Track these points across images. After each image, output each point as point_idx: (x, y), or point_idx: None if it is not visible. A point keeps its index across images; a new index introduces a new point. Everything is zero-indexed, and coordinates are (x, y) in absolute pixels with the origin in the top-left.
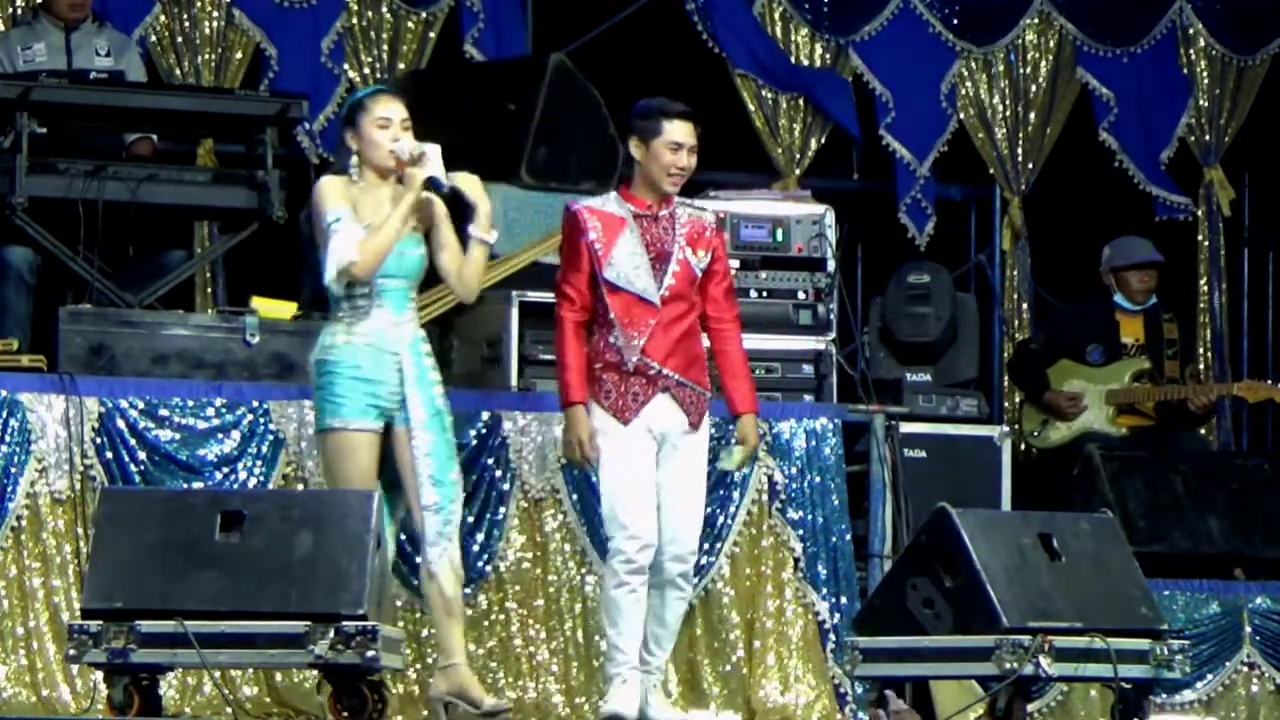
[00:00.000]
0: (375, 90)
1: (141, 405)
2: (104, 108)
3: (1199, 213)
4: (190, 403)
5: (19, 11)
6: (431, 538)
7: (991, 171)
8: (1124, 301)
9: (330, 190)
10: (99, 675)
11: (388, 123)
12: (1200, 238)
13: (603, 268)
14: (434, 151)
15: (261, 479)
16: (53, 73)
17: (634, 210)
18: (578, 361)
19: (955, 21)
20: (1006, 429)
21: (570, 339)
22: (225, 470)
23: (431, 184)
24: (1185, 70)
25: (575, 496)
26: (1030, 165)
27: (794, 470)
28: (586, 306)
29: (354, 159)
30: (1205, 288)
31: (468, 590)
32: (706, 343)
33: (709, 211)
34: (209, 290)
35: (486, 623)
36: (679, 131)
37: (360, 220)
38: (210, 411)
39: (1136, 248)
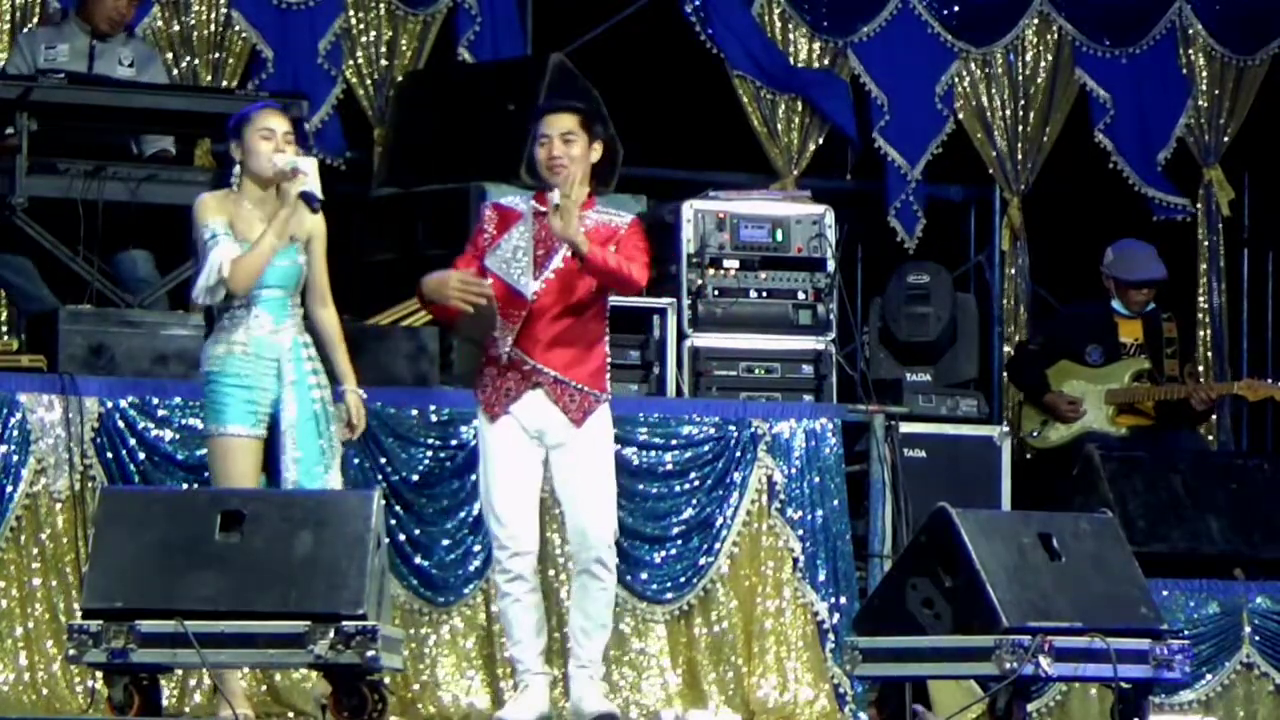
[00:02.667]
0: (263, 105)
1: (141, 405)
2: (103, 108)
3: (1198, 213)
4: (190, 403)
5: (37, 18)
6: None
7: (991, 172)
8: (1120, 307)
9: (208, 205)
10: (99, 675)
11: (270, 134)
12: (1199, 237)
13: (486, 256)
14: (309, 166)
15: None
16: (51, 71)
17: (535, 207)
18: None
19: (954, 22)
20: (1006, 429)
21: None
22: None
23: (305, 199)
24: (1185, 70)
25: None
26: (1029, 165)
27: (794, 470)
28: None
29: (235, 170)
30: (1204, 287)
31: (467, 590)
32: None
33: (626, 217)
34: None
35: (485, 622)
36: (545, 125)
37: (237, 234)
38: None
39: (1140, 263)
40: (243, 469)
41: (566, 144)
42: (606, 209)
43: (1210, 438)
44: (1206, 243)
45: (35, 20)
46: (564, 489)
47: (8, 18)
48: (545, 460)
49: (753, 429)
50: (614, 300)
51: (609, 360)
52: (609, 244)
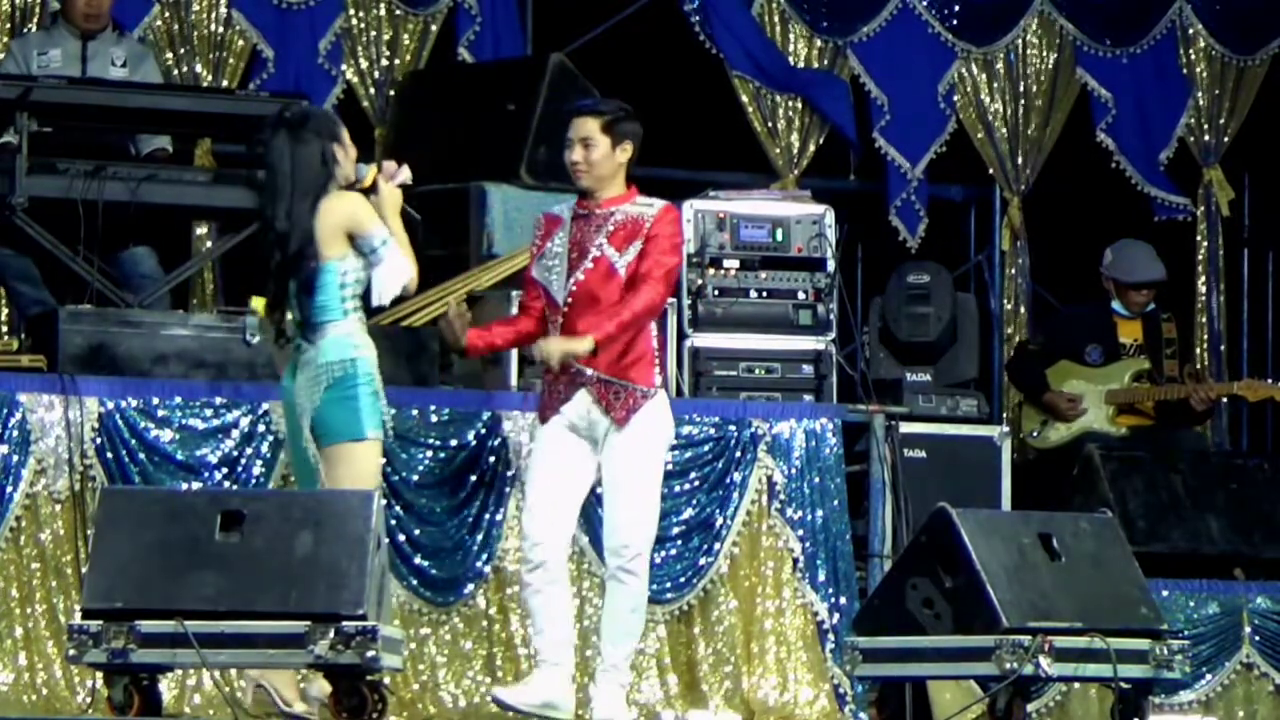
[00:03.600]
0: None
1: (141, 405)
2: (103, 108)
3: (1198, 213)
4: (190, 403)
5: (37, 19)
6: None
7: (991, 172)
8: (1119, 307)
9: (368, 207)
10: (99, 675)
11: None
12: (1199, 238)
13: (533, 266)
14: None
15: (261, 479)
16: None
17: (575, 211)
18: (503, 323)
19: (955, 22)
20: (1006, 429)
21: (514, 318)
22: (225, 470)
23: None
24: (1185, 70)
25: None
26: (1030, 165)
27: (794, 470)
28: (531, 303)
29: (339, 170)
30: (1203, 288)
31: (467, 590)
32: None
33: (656, 207)
34: (208, 290)
35: (485, 622)
36: (570, 129)
37: None
38: (210, 412)
39: (1139, 264)
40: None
41: (586, 149)
42: (642, 199)
43: (1207, 437)
44: (1206, 243)
45: (34, 22)
46: (605, 492)
47: (7, 20)
48: (598, 460)
49: (753, 429)
50: None
51: (656, 354)
52: (633, 240)
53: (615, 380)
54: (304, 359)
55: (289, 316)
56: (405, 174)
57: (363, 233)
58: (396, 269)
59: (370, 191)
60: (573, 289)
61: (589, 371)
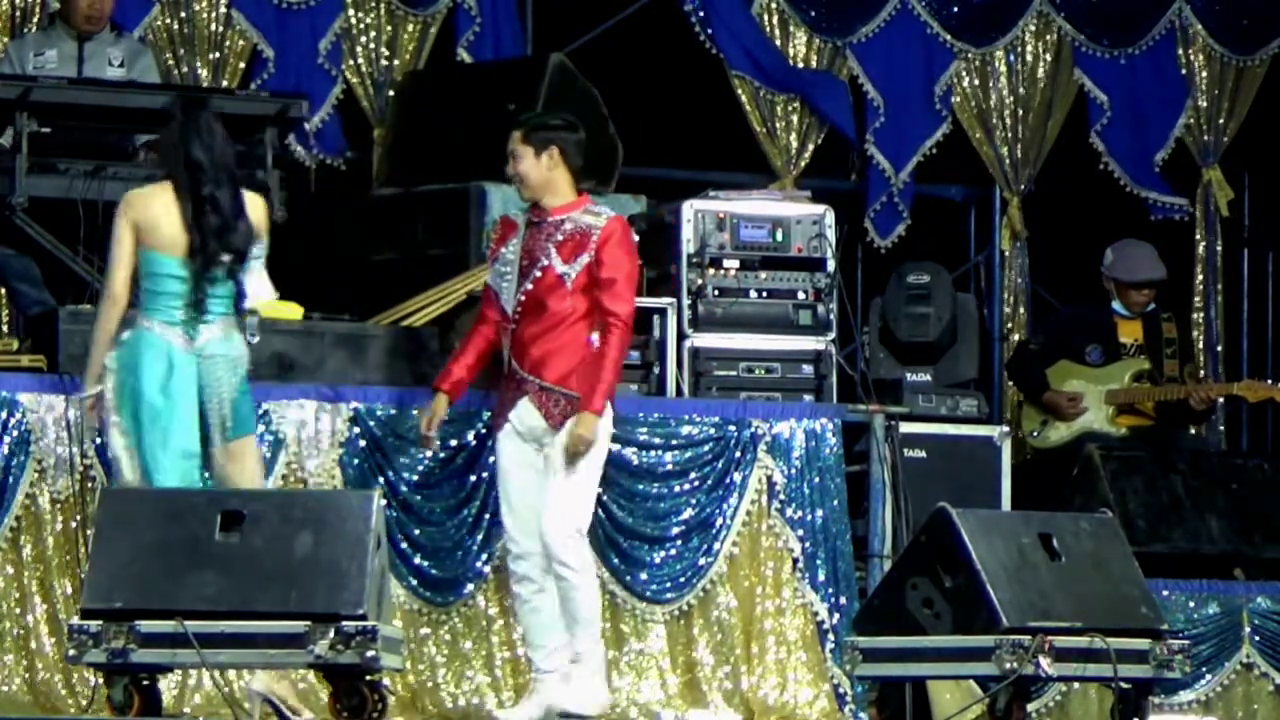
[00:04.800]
0: None
1: None
2: (103, 108)
3: (1196, 213)
4: None
5: (37, 19)
6: None
7: (991, 172)
8: (1120, 308)
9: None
10: (99, 675)
11: None
12: (1198, 238)
13: (489, 272)
14: None
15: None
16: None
17: (529, 218)
18: (461, 350)
19: (953, 22)
20: (1006, 429)
21: (471, 333)
22: None
23: None
24: (1184, 70)
25: None
26: (1029, 166)
27: (793, 470)
28: (487, 311)
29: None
30: (1202, 288)
31: (468, 590)
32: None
33: (603, 219)
34: None
35: (485, 622)
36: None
37: None
38: None
39: (1140, 263)
40: None
41: (515, 160)
42: (593, 208)
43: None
44: (1204, 243)
45: (34, 23)
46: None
47: (6, 21)
48: (543, 460)
49: (753, 429)
50: None
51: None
52: (581, 252)
53: (554, 389)
54: (210, 346)
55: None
56: None
57: (262, 235)
58: (264, 282)
59: None
60: (521, 298)
61: (531, 378)
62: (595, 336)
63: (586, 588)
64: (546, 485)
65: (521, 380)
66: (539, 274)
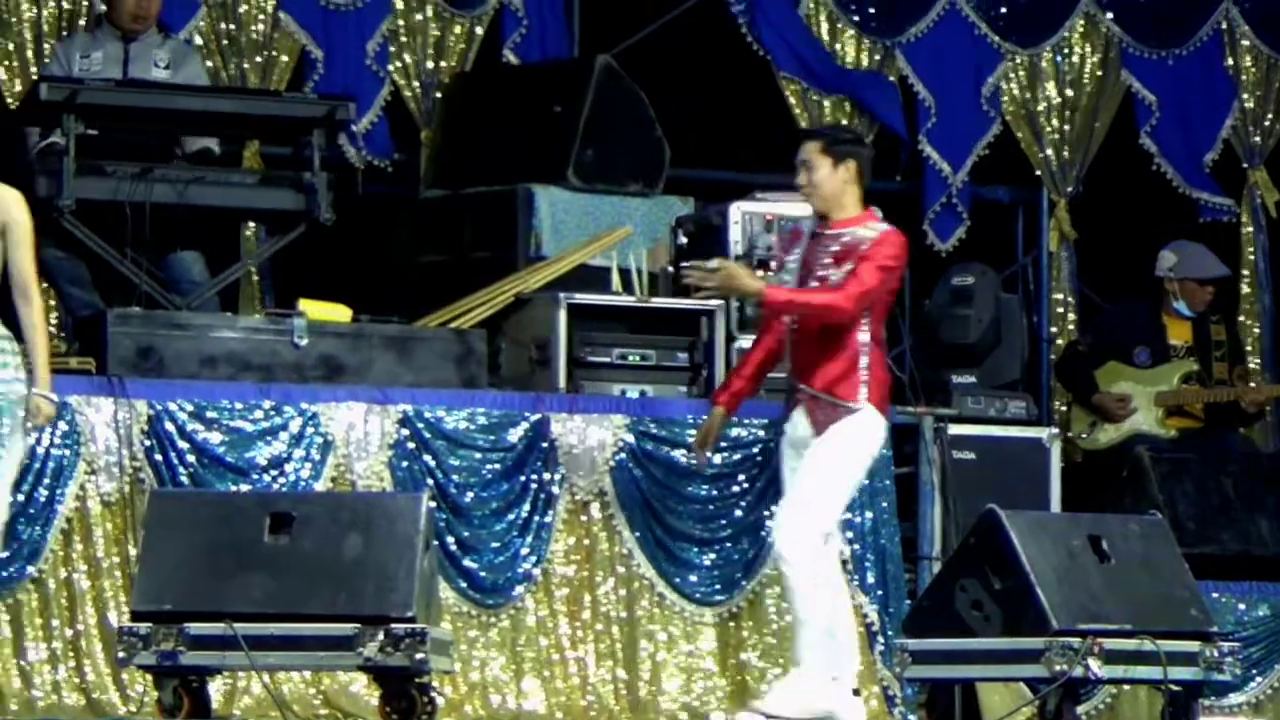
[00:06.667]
0: None
1: (190, 408)
2: (150, 110)
3: (1243, 214)
4: (239, 405)
5: (84, 20)
6: None
7: (1038, 173)
8: (1183, 308)
9: None
10: (148, 678)
11: None
12: (1245, 239)
13: (774, 277)
14: None
15: (310, 481)
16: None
17: (813, 229)
18: (742, 362)
19: (1001, 23)
20: (1055, 431)
21: (753, 344)
22: (274, 472)
23: None
24: (1231, 72)
25: (625, 500)
26: (1077, 167)
27: None
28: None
29: None
30: (1250, 289)
31: (517, 592)
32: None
33: (876, 231)
34: (256, 293)
35: (534, 624)
36: (797, 153)
37: None
38: (259, 414)
39: (1208, 261)
40: None
41: (808, 171)
42: (873, 223)
43: (1259, 439)
44: (1252, 244)
45: (82, 23)
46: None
47: (55, 24)
48: None
49: None
50: (661, 302)
51: (865, 371)
52: (846, 261)
53: (822, 396)
54: None
55: None
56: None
57: None
58: None
59: None
60: None
61: (805, 388)
62: (867, 352)
63: (803, 591)
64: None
65: (795, 389)
66: (814, 284)
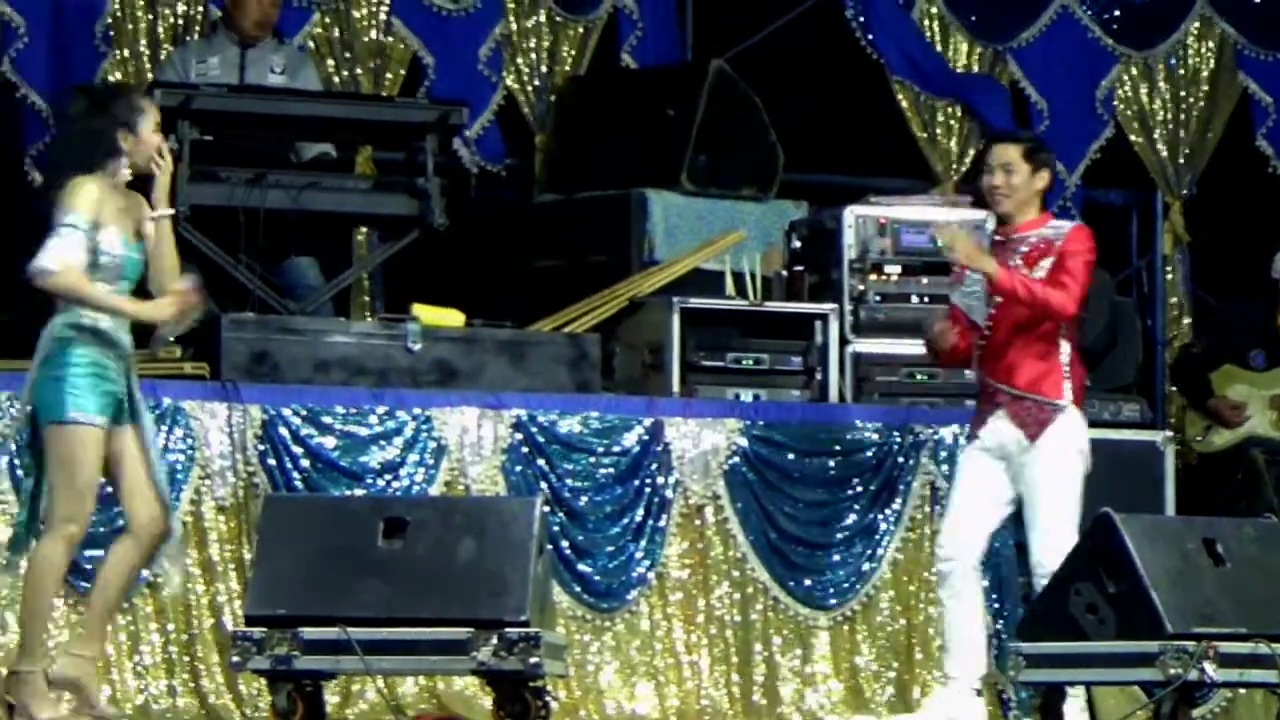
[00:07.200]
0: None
1: (304, 412)
2: (264, 115)
3: None
4: (352, 410)
5: (199, 27)
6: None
7: (1152, 176)
8: None
9: (89, 198)
10: (262, 682)
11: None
12: None
13: (953, 293)
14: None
15: (424, 486)
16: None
17: (994, 236)
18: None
19: (1115, 26)
20: (1170, 434)
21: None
22: (388, 477)
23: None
24: None
25: (739, 504)
26: (1191, 169)
27: None
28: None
29: (125, 160)
30: None
31: (631, 596)
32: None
33: (1065, 228)
34: (368, 298)
35: (649, 628)
36: (990, 154)
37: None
38: (373, 419)
39: None
40: (99, 461)
41: (1007, 174)
42: (1055, 223)
43: None
44: None
45: (196, 31)
46: (1024, 511)
47: (170, 31)
48: (1014, 477)
49: (915, 434)
50: (774, 306)
51: (1066, 369)
52: (1045, 258)
53: (1026, 395)
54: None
55: None
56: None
57: (63, 209)
58: (47, 249)
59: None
60: (991, 311)
61: (1004, 388)
62: (1065, 349)
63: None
64: (1027, 507)
65: (994, 391)
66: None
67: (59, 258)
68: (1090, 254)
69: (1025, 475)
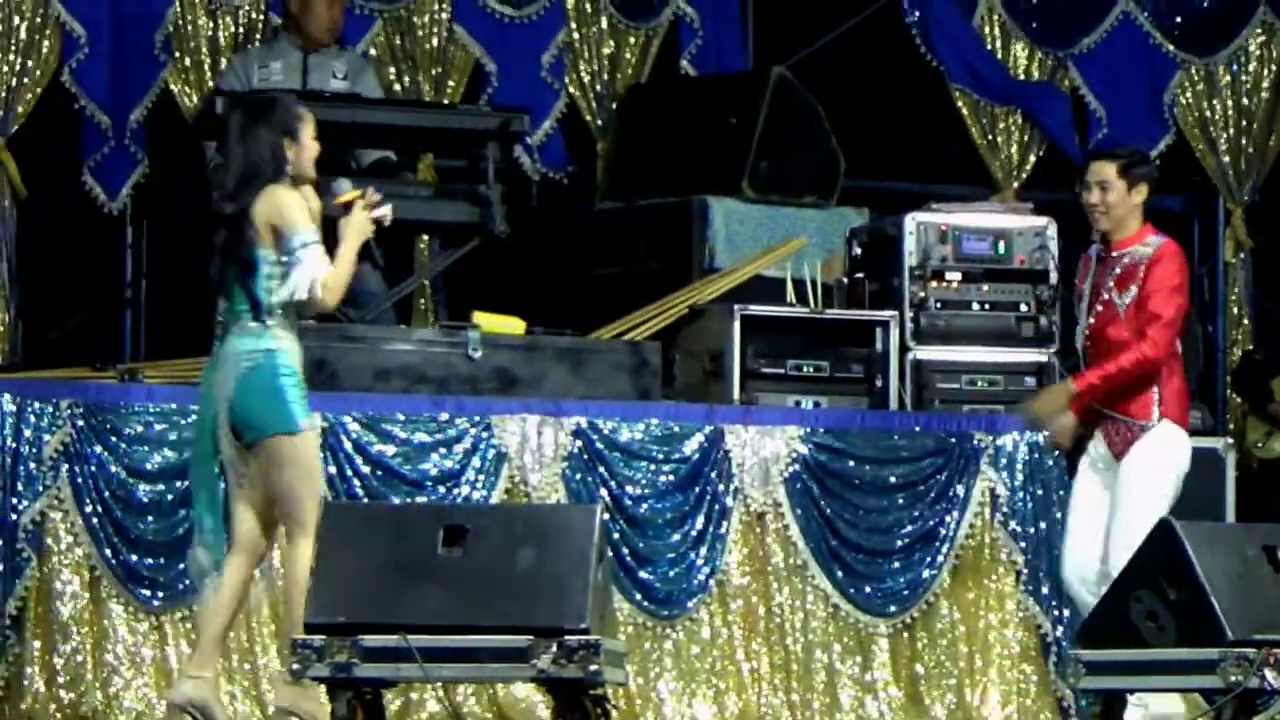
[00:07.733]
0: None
1: (364, 420)
2: (325, 122)
3: None
4: (413, 418)
5: (260, 34)
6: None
7: (1214, 182)
8: None
9: (303, 210)
10: (323, 690)
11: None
12: None
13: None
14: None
15: (484, 493)
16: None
17: (1098, 252)
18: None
19: (1177, 33)
20: (1230, 440)
21: None
22: (448, 485)
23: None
24: None
25: (799, 511)
26: (1253, 175)
27: (1016, 483)
28: None
29: (290, 168)
30: None
31: (692, 604)
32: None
33: (1153, 246)
34: (429, 306)
35: (709, 635)
36: (1087, 172)
37: None
38: (433, 426)
39: None
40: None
41: (1103, 191)
42: (1150, 238)
43: None
44: None
45: (258, 36)
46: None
47: (233, 37)
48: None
49: (975, 442)
50: (835, 313)
51: (1157, 390)
52: (1132, 282)
53: (1116, 416)
54: (224, 351)
55: (221, 305)
56: (386, 210)
57: (286, 228)
58: (308, 270)
59: (345, 210)
60: (1087, 331)
61: (1099, 409)
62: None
63: None
64: (1112, 516)
65: (1093, 411)
66: (1100, 307)
67: (317, 281)
68: (1179, 276)
69: (1114, 490)
